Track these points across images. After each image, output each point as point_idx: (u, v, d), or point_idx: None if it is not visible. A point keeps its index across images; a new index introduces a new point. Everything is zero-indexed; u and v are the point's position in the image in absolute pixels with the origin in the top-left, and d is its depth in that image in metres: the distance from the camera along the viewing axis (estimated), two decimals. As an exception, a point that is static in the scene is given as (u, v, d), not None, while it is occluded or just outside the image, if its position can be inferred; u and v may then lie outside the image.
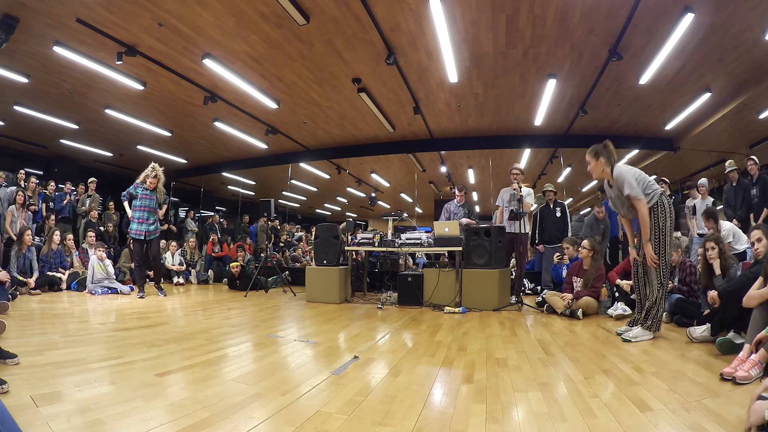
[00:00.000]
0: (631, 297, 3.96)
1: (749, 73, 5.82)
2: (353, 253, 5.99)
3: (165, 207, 5.70)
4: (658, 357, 2.55)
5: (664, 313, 3.84)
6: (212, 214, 11.50)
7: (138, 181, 5.43)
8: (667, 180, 6.33)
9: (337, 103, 7.33)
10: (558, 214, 6.08)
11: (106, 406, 1.60)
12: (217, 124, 8.19)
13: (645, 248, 2.99)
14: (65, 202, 7.53)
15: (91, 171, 9.99)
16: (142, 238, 5.31)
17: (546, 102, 6.92)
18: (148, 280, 5.87)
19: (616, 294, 4.35)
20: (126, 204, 5.47)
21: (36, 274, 5.46)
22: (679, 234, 5.61)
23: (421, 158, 10.34)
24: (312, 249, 7.13)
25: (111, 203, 8.68)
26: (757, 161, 5.46)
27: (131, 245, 7.17)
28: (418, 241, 5.36)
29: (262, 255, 7.11)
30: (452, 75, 6.00)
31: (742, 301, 2.44)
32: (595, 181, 11.24)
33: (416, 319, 4.10)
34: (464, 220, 5.57)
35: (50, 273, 5.78)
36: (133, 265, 6.94)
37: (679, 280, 3.98)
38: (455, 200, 5.98)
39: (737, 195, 5.53)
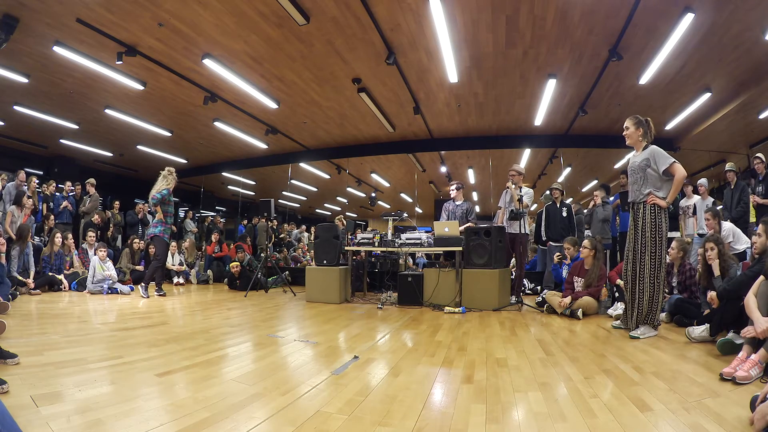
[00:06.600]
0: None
1: (749, 73, 5.82)
2: (353, 253, 5.98)
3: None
4: (658, 357, 2.55)
5: (664, 314, 3.85)
6: (212, 214, 11.49)
7: (170, 188, 5.59)
8: None
9: (337, 103, 7.33)
10: (564, 214, 6.08)
11: (106, 406, 1.60)
12: (217, 124, 8.19)
13: (660, 201, 3.12)
14: (62, 207, 7.49)
15: (91, 171, 9.99)
16: (168, 240, 5.62)
17: (546, 102, 6.92)
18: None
19: (616, 294, 4.34)
20: (158, 208, 5.67)
21: (33, 272, 5.44)
22: (686, 234, 5.60)
23: (421, 158, 10.33)
24: (311, 249, 7.13)
25: (117, 203, 8.64)
26: (764, 159, 5.45)
27: (132, 245, 7.19)
28: (418, 241, 5.36)
29: (262, 255, 7.11)
30: (452, 75, 6.00)
31: (743, 303, 2.42)
32: (595, 181, 11.28)
33: (416, 319, 4.10)
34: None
35: (50, 273, 5.77)
36: (133, 266, 6.97)
37: (678, 282, 3.98)
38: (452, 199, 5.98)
39: (733, 196, 5.56)
